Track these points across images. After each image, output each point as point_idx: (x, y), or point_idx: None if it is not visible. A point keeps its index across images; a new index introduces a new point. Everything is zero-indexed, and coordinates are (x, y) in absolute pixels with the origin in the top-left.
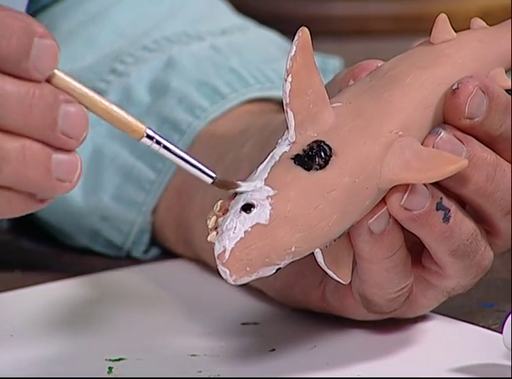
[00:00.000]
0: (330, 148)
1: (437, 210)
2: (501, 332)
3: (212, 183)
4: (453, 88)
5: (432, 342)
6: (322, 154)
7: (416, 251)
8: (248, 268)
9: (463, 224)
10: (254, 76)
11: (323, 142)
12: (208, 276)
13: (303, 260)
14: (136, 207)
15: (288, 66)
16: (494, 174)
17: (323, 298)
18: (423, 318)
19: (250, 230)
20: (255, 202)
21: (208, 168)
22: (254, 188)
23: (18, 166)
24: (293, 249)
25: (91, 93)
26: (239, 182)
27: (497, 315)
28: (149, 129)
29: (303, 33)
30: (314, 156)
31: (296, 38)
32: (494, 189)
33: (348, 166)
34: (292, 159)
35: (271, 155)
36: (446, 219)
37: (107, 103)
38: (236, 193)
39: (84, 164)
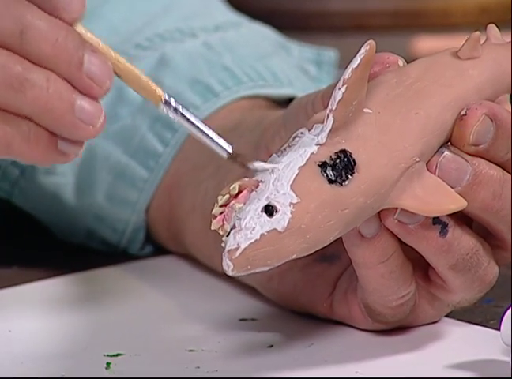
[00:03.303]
0: (355, 163)
1: (433, 224)
2: (499, 329)
3: (229, 158)
4: (462, 113)
5: (430, 339)
6: (347, 169)
7: (424, 264)
8: (249, 267)
9: (462, 239)
10: (246, 74)
11: (349, 154)
12: (207, 272)
13: (314, 271)
14: (129, 205)
15: (346, 76)
16: (501, 191)
17: (330, 308)
18: None
19: (266, 234)
20: (278, 206)
21: (225, 140)
22: (267, 168)
23: (41, 93)
24: (293, 257)
25: (113, 52)
26: (252, 162)
27: (495, 311)
28: (168, 95)
29: (371, 47)
30: (338, 169)
31: (362, 51)
32: (501, 206)
33: (365, 187)
34: (319, 166)
35: (297, 151)
36: (443, 233)
37: (128, 64)
38: (258, 184)
39: (76, 164)
